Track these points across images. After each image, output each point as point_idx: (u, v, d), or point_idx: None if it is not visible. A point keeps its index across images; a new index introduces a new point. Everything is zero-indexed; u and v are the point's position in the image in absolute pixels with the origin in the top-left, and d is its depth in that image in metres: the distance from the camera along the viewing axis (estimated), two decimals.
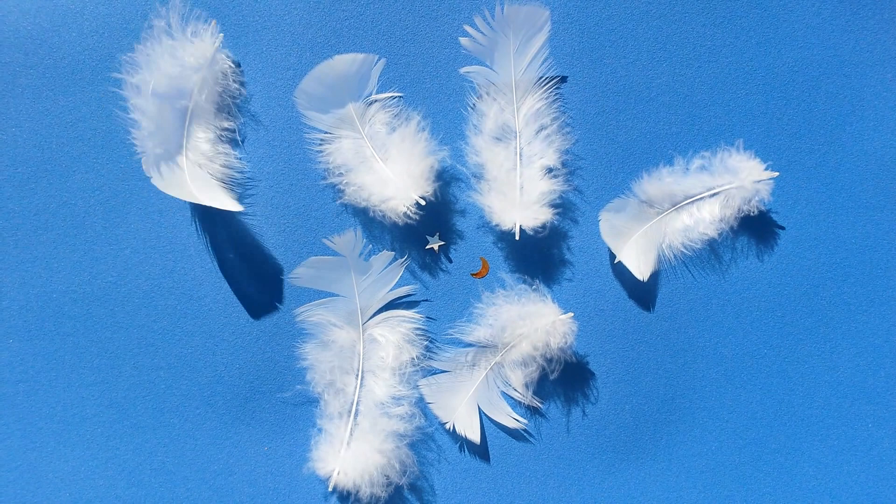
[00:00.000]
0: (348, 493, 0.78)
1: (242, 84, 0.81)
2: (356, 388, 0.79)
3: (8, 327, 0.81)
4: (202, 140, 0.78)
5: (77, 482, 0.80)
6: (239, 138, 0.81)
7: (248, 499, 0.80)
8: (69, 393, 0.81)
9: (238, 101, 0.81)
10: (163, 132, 0.76)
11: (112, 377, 0.81)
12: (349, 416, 0.78)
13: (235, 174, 0.80)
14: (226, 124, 0.80)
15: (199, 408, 0.81)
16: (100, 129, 0.81)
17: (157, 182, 0.76)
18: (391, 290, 0.80)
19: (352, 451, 0.77)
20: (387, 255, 0.80)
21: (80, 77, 0.82)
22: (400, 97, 0.82)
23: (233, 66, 0.80)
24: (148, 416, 0.81)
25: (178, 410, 0.81)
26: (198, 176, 0.77)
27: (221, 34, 0.78)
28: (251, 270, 0.81)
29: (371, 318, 0.80)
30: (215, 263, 0.81)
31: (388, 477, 0.78)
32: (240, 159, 0.81)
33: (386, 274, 0.80)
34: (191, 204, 0.80)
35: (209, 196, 0.76)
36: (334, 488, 0.77)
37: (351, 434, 0.78)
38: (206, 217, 0.81)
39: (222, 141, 0.80)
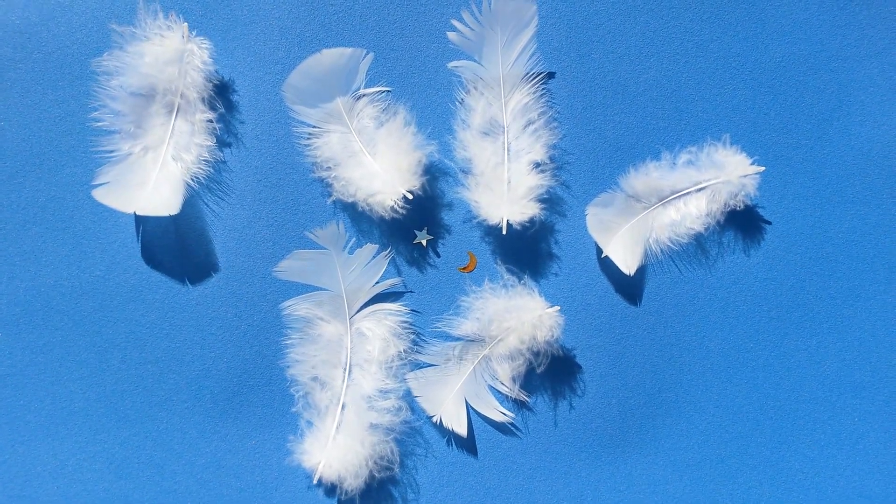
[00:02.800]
0: (333, 486, 0.79)
1: (218, 71, 0.81)
2: (343, 381, 0.79)
3: None
4: (182, 133, 0.79)
5: (65, 475, 0.80)
6: (217, 128, 0.81)
7: (235, 492, 0.80)
8: (57, 386, 0.81)
9: (215, 90, 0.81)
10: (141, 129, 0.78)
11: (100, 371, 0.81)
12: (336, 409, 0.78)
13: (210, 169, 0.80)
14: (205, 115, 0.80)
15: (187, 401, 0.81)
16: (89, 123, 0.81)
17: (99, 194, 0.77)
18: (377, 283, 0.80)
19: (338, 443, 0.77)
20: (371, 247, 0.80)
21: (69, 71, 0.82)
22: (388, 92, 0.82)
23: (208, 53, 0.80)
24: (136, 410, 0.81)
25: (165, 404, 0.81)
26: (166, 174, 0.78)
27: (186, 23, 0.79)
28: (239, 264, 0.82)
29: (358, 311, 0.80)
30: (203, 257, 0.81)
31: (373, 470, 0.78)
32: (220, 150, 0.81)
33: (371, 267, 0.80)
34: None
35: (150, 206, 0.77)
36: (319, 480, 0.78)
37: (337, 427, 0.78)
38: (195, 211, 0.81)
39: (202, 132, 0.80)
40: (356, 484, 0.77)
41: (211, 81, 0.80)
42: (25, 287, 0.81)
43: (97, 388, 0.81)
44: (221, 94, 0.82)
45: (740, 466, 0.81)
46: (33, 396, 0.81)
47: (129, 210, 0.77)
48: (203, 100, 0.80)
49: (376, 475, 0.78)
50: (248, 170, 0.82)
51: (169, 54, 0.77)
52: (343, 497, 0.79)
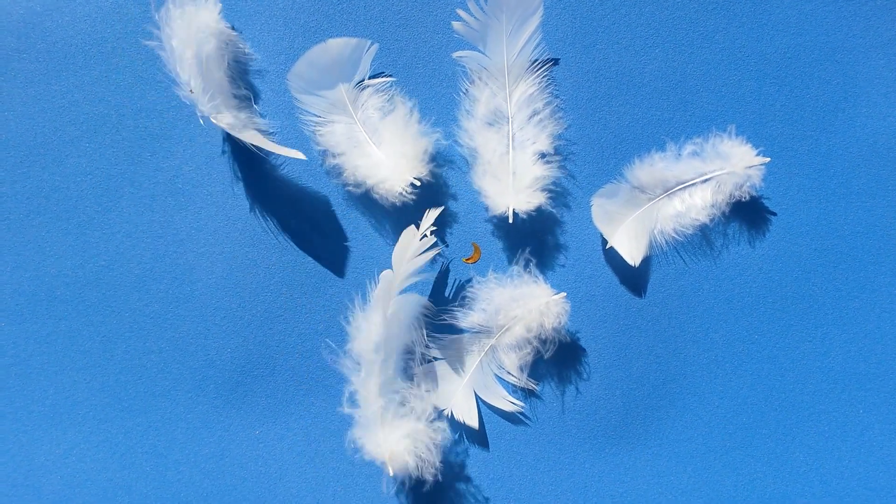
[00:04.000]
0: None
1: (246, 51, 0.82)
2: (377, 368, 0.77)
3: (0, 310, 0.81)
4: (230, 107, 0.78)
5: (68, 465, 0.80)
6: (257, 106, 0.81)
7: (238, 482, 0.80)
8: (61, 376, 0.80)
9: (247, 66, 0.81)
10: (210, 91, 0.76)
11: (104, 361, 0.81)
12: (376, 399, 0.76)
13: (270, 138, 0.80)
14: (241, 92, 0.80)
15: (191, 391, 0.81)
16: (93, 113, 0.81)
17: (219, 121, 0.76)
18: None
19: (386, 435, 0.76)
20: (434, 212, 0.79)
21: (72, 61, 0.82)
22: (392, 82, 0.82)
23: (234, 33, 0.80)
24: (139, 400, 0.80)
25: (169, 394, 0.81)
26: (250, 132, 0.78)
27: (220, 4, 0.78)
28: (243, 254, 0.81)
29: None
30: (207, 247, 0.81)
31: (414, 462, 0.76)
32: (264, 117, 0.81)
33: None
34: (182, 188, 0.80)
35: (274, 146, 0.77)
36: (393, 475, 0.76)
37: (378, 418, 0.76)
38: (197, 201, 0.81)
39: (243, 109, 0.80)
40: (413, 474, 0.76)
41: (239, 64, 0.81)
42: (29, 277, 0.81)
43: (101, 378, 0.80)
44: (244, 66, 0.82)
45: (745, 457, 0.81)
46: (37, 386, 0.80)
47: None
48: (232, 75, 0.80)
49: (417, 469, 0.77)
50: (253, 157, 0.82)
51: (202, 32, 0.76)
52: (352, 487, 0.79)
